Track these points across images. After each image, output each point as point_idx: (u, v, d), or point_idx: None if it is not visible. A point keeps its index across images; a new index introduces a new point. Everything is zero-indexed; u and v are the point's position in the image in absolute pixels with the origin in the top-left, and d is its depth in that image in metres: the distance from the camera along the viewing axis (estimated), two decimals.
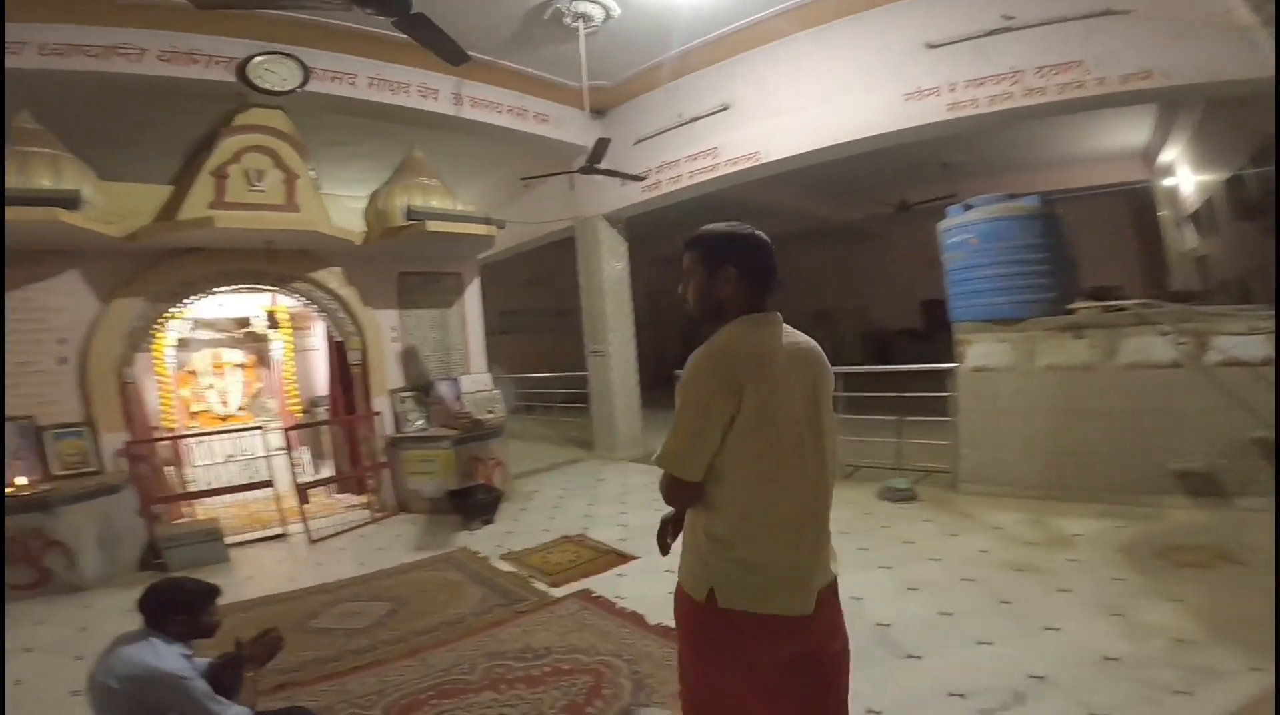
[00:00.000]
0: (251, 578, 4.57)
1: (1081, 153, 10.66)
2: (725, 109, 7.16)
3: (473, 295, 7.01)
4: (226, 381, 7.47)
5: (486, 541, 5.00)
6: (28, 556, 4.30)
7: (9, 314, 4.76)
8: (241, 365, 7.57)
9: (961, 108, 5.55)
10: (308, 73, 5.52)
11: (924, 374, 5.87)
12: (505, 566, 4.43)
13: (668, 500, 1.57)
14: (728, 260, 1.60)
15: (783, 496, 1.52)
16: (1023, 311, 5.05)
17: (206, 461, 6.05)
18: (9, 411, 4.74)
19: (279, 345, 7.41)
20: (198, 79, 5.18)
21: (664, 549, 1.73)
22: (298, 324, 7.47)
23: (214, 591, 2.36)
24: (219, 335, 7.42)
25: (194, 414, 7.24)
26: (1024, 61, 5.18)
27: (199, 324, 7.12)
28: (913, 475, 5.68)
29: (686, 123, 7.45)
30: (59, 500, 4.42)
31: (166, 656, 2.09)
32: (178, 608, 2.22)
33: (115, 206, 4.99)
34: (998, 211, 5.18)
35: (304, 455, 6.97)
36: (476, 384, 6.69)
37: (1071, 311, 4.96)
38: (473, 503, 5.47)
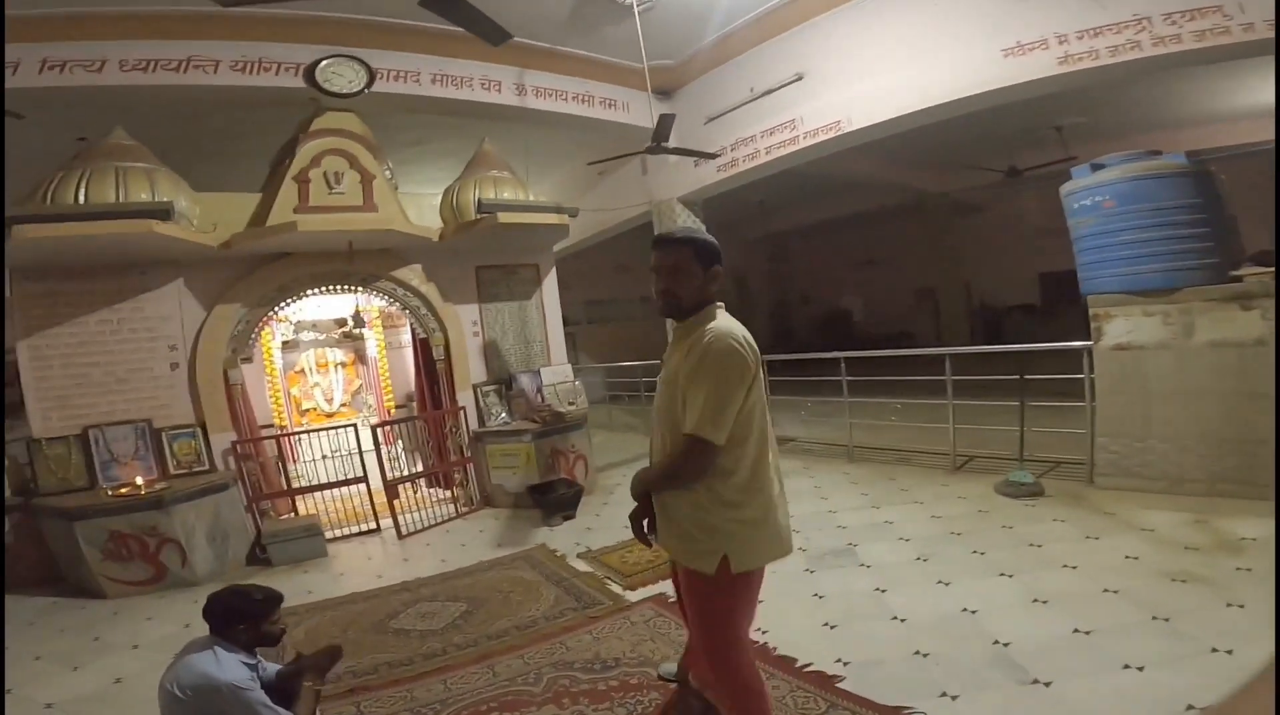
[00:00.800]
0: (343, 574, 4.66)
1: (1225, 108, 9.20)
2: (799, 79, 6.69)
3: (550, 286, 6.91)
4: (330, 379, 7.81)
5: (566, 538, 4.88)
6: (144, 553, 4.54)
7: (124, 323, 5.10)
8: (342, 363, 7.88)
9: (1076, 61, 4.87)
10: (373, 73, 5.61)
11: (1049, 353, 5.17)
12: (582, 566, 4.28)
13: (692, 473, 1.71)
14: (717, 260, 1.84)
15: (770, 456, 1.85)
16: (1175, 280, 4.27)
17: (310, 458, 6.34)
18: (130, 415, 5.10)
19: (373, 343, 7.65)
20: (270, 86, 5.36)
21: (648, 541, 1.95)
22: (390, 322, 7.69)
23: (276, 599, 2.34)
24: (321, 335, 7.76)
25: (303, 411, 7.62)
26: (1149, 7, 4.47)
27: (302, 326, 7.47)
28: (1036, 467, 5.03)
29: (759, 96, 7.02)
30: (173, 498, 4.63)
31: (228, 666, 2.10)
32: (240, 616, 2.22)
33: (210, 216, 5.22)
34: (1138, 170, 4.41)
35: (398, 450, 7.15)
36: (557, 376, 6.60)
37: (1237, 278, 4.16)
38: (553, 498, 5.36)
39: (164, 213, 4.57)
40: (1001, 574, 3.47)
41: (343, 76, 5.59)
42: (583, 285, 14.51)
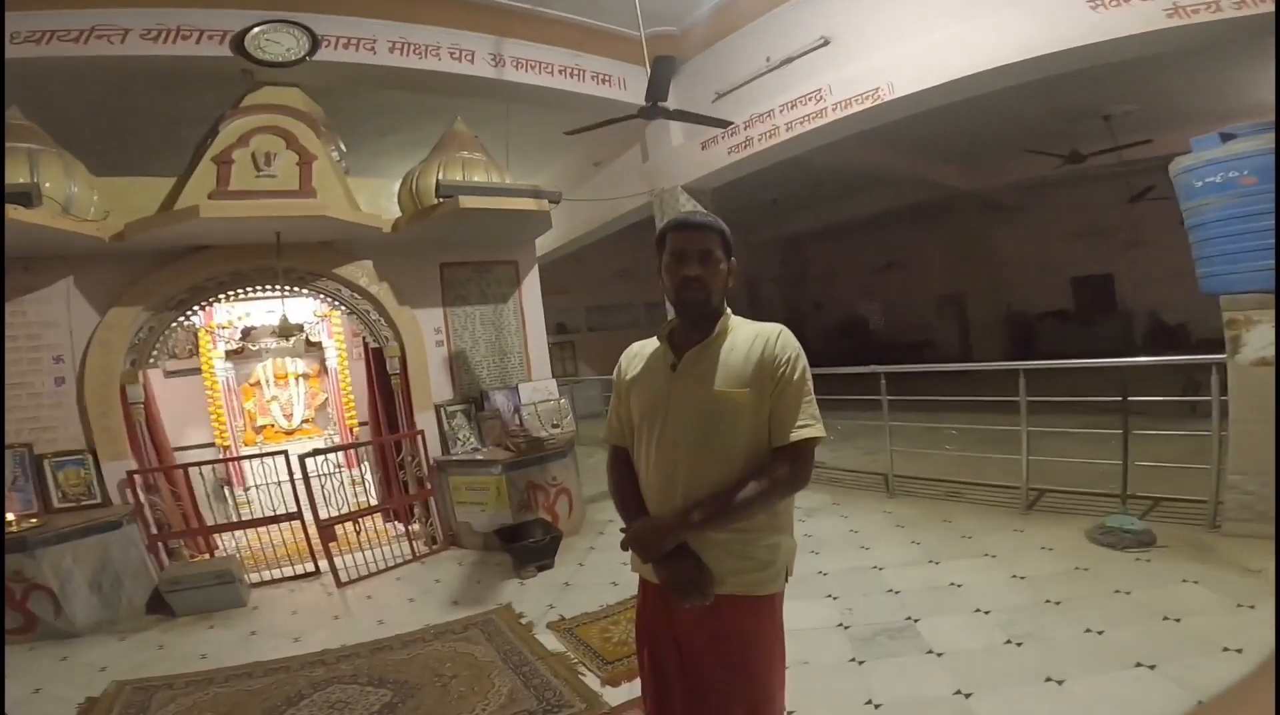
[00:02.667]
0: (255, 633, 3.68)
1: None
2: (825, 43, 5.73)
3: (531, 287, 5.93)
4: (290, 393, 6.86)
5: (537, 596, 3.86)
6: (10, 600, 3.70)
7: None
8: (305, 375, 6.93)
9: (1190, 13, 3.85)
10: (316, 40, 4.73)
11: (1150, 369, 4.13)
12: (552, 641, 3.26)
13: (802, 482, 1.51)
14: (732, 252, 1.61)
15: None
16: None
17: (254, 484, 5.39)
18: (6, 440, 4.15)
19: (333, 353, 6.69)
20: (189, 56, 4.51)
21: (708, 594, 1.47)
22: (357, 329, 6.73)
23: None
24: (282, 343, 6.81)
25: (259, 429, 6.66)
26: None
27: (259, 332, 6.52)
28: (1134, 506, 3.97)
29: (778, 65, 6.06)
30: (39, 540, 3.75)
31: None
32: None
33: (112, 204, 4.31)
34: None
35: (365, 474, 6.18)
36: (538, 393, 5.60)
37: None
38: (525, 547, 4.34)
39: (25, 197, 3.64)
40: (1139, 664, 2.44)
41: (279, 44, 4.73)
42: (582, 290, 13.66)
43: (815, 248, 17.08)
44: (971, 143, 9.70)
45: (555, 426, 5.41)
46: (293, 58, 4.72)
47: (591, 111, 6.06)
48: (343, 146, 5.24)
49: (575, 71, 6.15)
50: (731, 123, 5.76)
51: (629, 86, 6.45)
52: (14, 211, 3.53)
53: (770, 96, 6.09)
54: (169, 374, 6.45)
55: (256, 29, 4.57)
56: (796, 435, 1.48)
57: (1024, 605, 3.11)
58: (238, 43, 4.57)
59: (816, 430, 1.50)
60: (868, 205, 13.23)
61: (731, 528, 1.48)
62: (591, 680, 2.86)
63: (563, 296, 12.32)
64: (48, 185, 3.96)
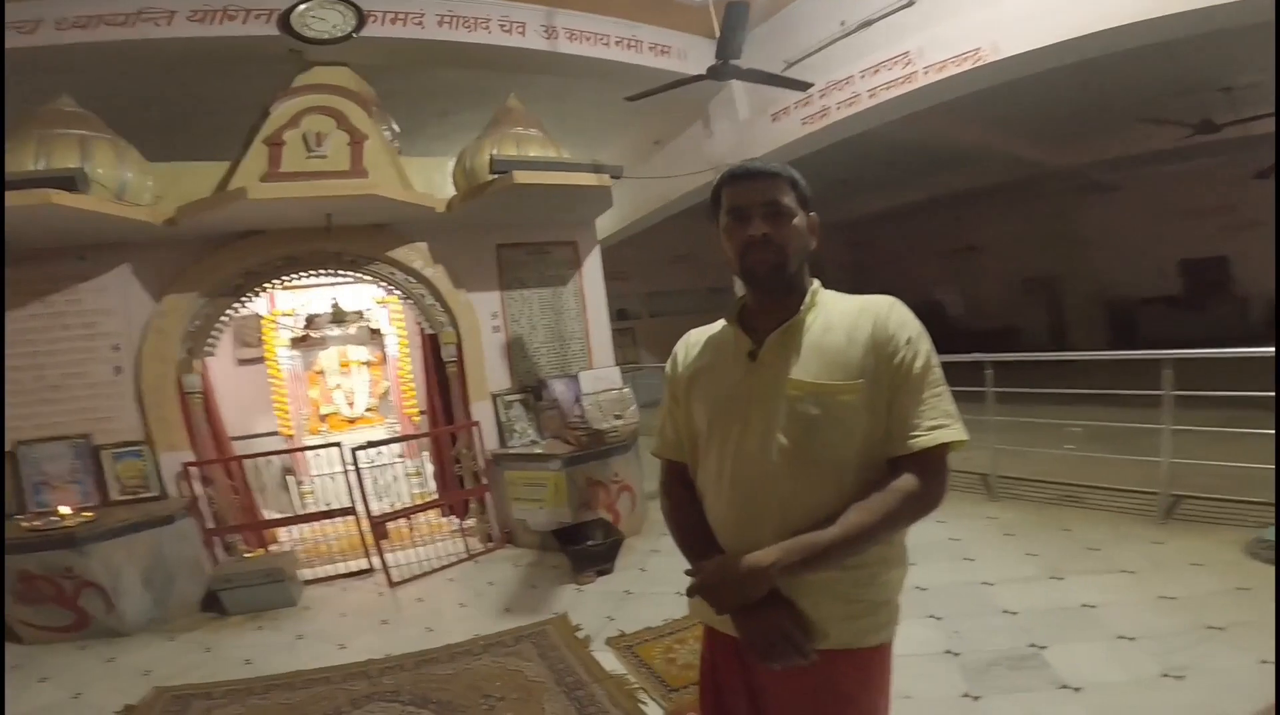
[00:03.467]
0: (302, 637, 3.50)
1: None
2: (910, 2, 5.16)
3: (593, 269, 5.59)
4: (353, 381, 6.79)
5: (595, 606, 3.53)
6: (59, 597, 3.63)
7: (58, 319, 4.16)
8: (367, 363, 6.84)
9: None
10: (362, 15, 4.53)
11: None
12: (610, 660, 2.92)
13: (936, 501, 1.15)
14: (810, 203, 1.28)
15: None
16: None
17: (318, 473, 5.29)
18: (65, 430, 4.15)
19: (394, 340, 6.56)
20: (236, 36, 4.44)
21: (808, 653, 1.11)
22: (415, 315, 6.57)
23: None
24: (344, 331, 6.74)
25: (323, 417, 6.61)
26: None
27: (315, 321, 6.47)
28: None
29: (854, 29, 5.52)
30: (90, 536, 3.65)
31: None
32: None
33: (166, 189, 4.23)
34: None
35: (423, 468, 6.02)
36: (600, 382, 5.26)
37: None
38: (583, 550, 4.02)
39: (68, 182, 3.54)
40: None
41: (324, 20, 4.60)
42: (644, 275, 13.35)
43: (885, 230, 16.18)
44: (1070, 114, 8.75)
45: (618, 418, 5.07)
46: (339, 34, 4.58)
47: (650, 85, 5.70)
48: (395, 126, 5.04)
49: (632, 43, 5.78)
50: (812, 84, 5.26)
51: (690, 57, 6.04)
52: (57, 195, 3.44)
53: (849, 62, 5.57)
54: (241, 362, 6.49)
55: (302, 6, 4.44)
56: (928, 439, 1.12)
57: (1178, 631, 2.57)
58: (284, 21, 4.45)
59: (955, 431, 1.14)
60: (945, 184, 12.35)
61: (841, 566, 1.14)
62: (654, 710, 2.51)
63: (623, 282, 12.06)
64: (100, 171, 3.88)
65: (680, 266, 13.99)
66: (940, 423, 1.14)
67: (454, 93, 6.51)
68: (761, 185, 1.20)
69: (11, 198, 3.36)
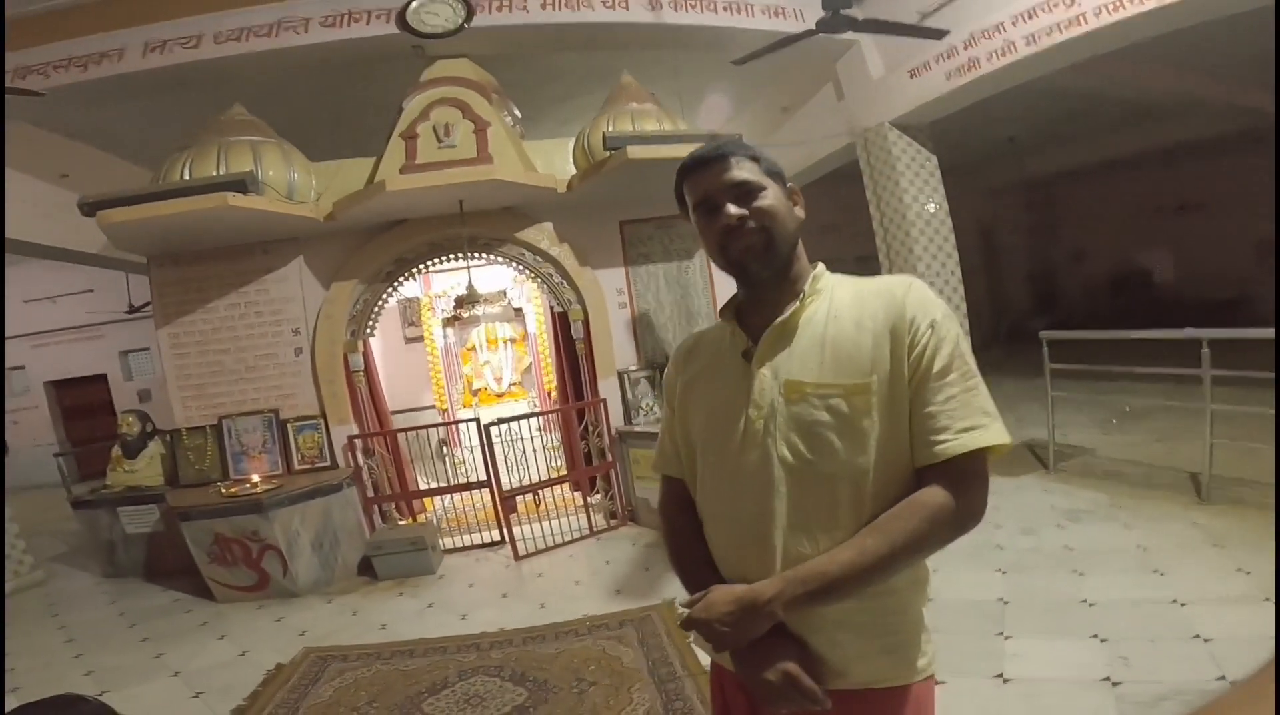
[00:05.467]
0: (431, 606, 3.78)
1: None
2: None
3: None
4: (500, 357, 7.24)
5: None
6: (247, 558, 4.16)
7: (251, 308, 4.81)
8: (511, 340, 7.25)
9: None
10: (470, 6, 4.61)
11: None
12: (706, 654, 2.79)
13: (979, 515, 0.98)
14: (784, 177, 1.12)
15: None
16: None
17: (469, 445, 5.71)
18: (259, 405, 4.82)
19: (532, 317, 6.84)
20: (364, 38, 4.65)
21: (818, 698, 0.96)
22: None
23: None
24: (491, 309, 7.19)
25: (475, 392, 7.14)
26: None
27: (463, 301, 6.94)
28: None
29: None
30: (273, 502, 4.17)
31: None
32: None
33: (325, 186, 4.69)
34: None
35: (554, 443, 6.26)
36: None
37: None
38: None
39: (239, 184, 4.02)
40: None
41: (436, 15, 4.73)
42: None
43: (1070, 190, 13.82)
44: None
45: None
46: (452, 26, 4.69)
47: (772, 56, 5.23)
48: (516, 112, 5.15)
49: (742, 6, 5.31)
50: (947, 32, 4.53)
51: (807, 17, 5.42)
52: (233, 198, 3.94)
53: (997, 7, 4.70)
54: (409, 341, 7.17)
55: (414, 3, 4.59)
56: (958, 444, 0.95)
57: None
58: (401, 18, 4.64)
59: (993, 433, 0.96)
60: (1150, 138, 10.26)
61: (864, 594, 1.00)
62: None
63: None
64: (270, 173, 4.39)
65: (824, 236, 13.29)
66: (974, 423, 0.96)
67: (570, 76, 6.53)
68: (719, 169, 1.06)
69: (195, 202, 3.90)
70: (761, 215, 1.04)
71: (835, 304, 1.05)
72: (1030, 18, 4.55)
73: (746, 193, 1.04)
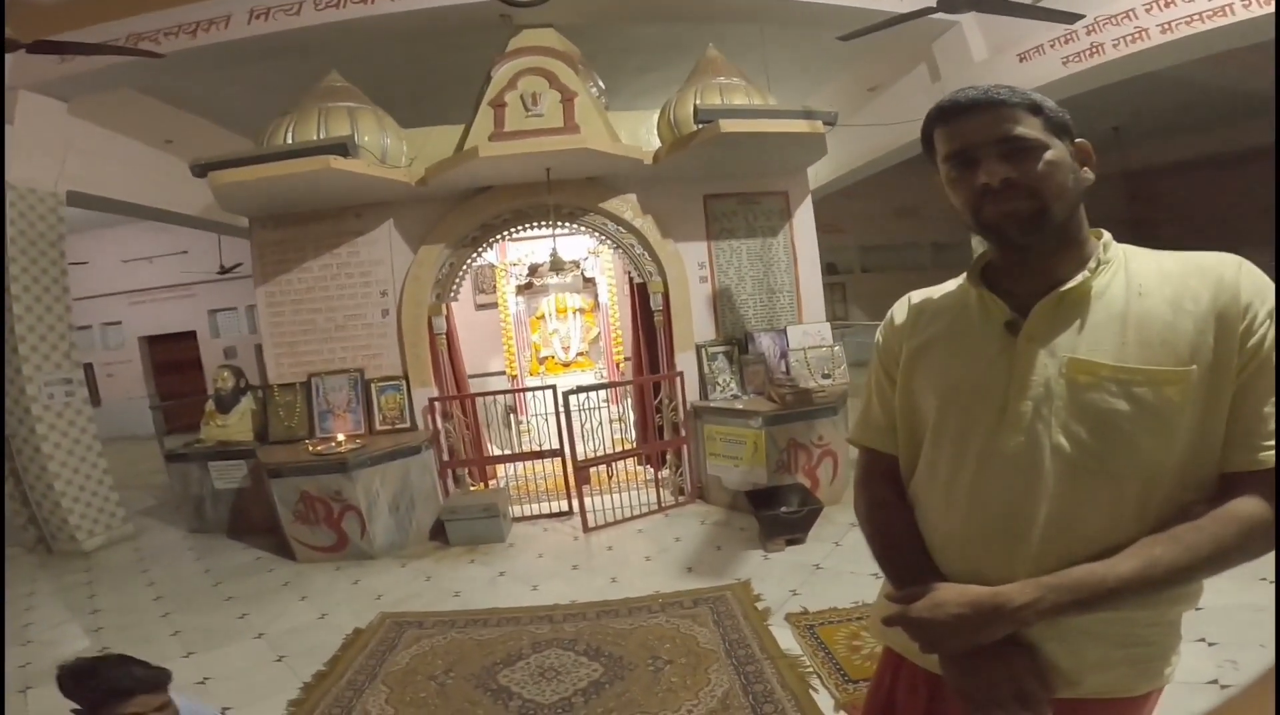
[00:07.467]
0: (503, 574, 3.82)
1: None
2: None
3: (804, 219, 5.19)
4: (569, 326, 7.27)
5: (780, 576, 3.36)
6: (329, 518, 4.22)
7: (342, 269, 4.95)
8: (580, 310, 7.27)
9: None
10: None
11: None
12: (787, 638, 2.74)
13: None
14: (1071, 130, 0.95)
15: None
16: None
17: (536, 412, 5.77)
18: (346, 365, 4.97)
19: (605, 287, 6.83)
20: (456, 4, 4.64)
21: (1043, 710, 0.87)
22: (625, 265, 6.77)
23: (123, 690, 1.52)
24: (562, 279, 7.21)
25: (542, 360, 7.21)
26: None
27: (539, 269, 6.99)
28: None
29: None
30: (356, 462, 4.24)
31: None
32: (73, 697, 1.60)
33: (417, 152, 4.76)
34: None
35: (625, 414, 6.26)
36: (809, 338, 4.97)
37: None
38: (776, 517, 3.84)
39: (342, 148, 4.11)
40: None
41: None
42: (856, 228, 12.61)
43: (1177, 183, 13.02)
44: None
45: (826, 377, 4.75)
46: None
47: (864, 24, 4.97)
48: (600, 83, 5.10)
49: None
50: (1080, 16, 4.20)
51: None
52: (333, 161, 4.03)
53: None
54: (479, 307, 7.28)
55: None
56: None
57: None
58: None
59: None
60: (1261, 134, 9.49)
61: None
62: (824, 700, 2.31)
63: (834, 235, 11.46)
64: (366, 138, 4.47)
65: (902, 220, 12.95)
66: None
67: (651, 48, 6.42)
68: (987, 118, 0.90)
69: (299, 164, 4.02)
70: (1034, 178, 0.89)
71: (1137, 278, 0.91)
72: (1167, 5, 4.20)
73: (1015, 149, 0.89)
